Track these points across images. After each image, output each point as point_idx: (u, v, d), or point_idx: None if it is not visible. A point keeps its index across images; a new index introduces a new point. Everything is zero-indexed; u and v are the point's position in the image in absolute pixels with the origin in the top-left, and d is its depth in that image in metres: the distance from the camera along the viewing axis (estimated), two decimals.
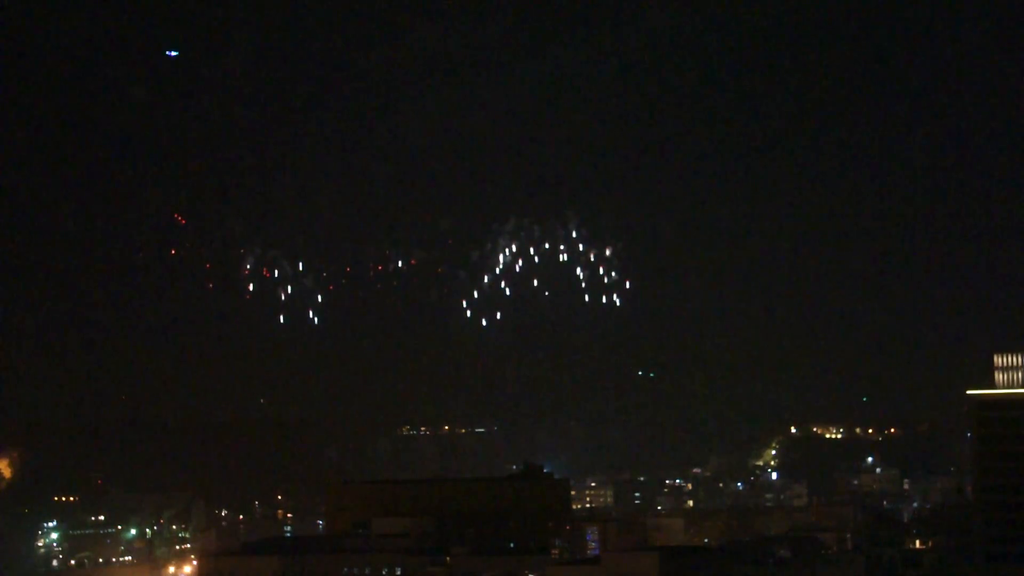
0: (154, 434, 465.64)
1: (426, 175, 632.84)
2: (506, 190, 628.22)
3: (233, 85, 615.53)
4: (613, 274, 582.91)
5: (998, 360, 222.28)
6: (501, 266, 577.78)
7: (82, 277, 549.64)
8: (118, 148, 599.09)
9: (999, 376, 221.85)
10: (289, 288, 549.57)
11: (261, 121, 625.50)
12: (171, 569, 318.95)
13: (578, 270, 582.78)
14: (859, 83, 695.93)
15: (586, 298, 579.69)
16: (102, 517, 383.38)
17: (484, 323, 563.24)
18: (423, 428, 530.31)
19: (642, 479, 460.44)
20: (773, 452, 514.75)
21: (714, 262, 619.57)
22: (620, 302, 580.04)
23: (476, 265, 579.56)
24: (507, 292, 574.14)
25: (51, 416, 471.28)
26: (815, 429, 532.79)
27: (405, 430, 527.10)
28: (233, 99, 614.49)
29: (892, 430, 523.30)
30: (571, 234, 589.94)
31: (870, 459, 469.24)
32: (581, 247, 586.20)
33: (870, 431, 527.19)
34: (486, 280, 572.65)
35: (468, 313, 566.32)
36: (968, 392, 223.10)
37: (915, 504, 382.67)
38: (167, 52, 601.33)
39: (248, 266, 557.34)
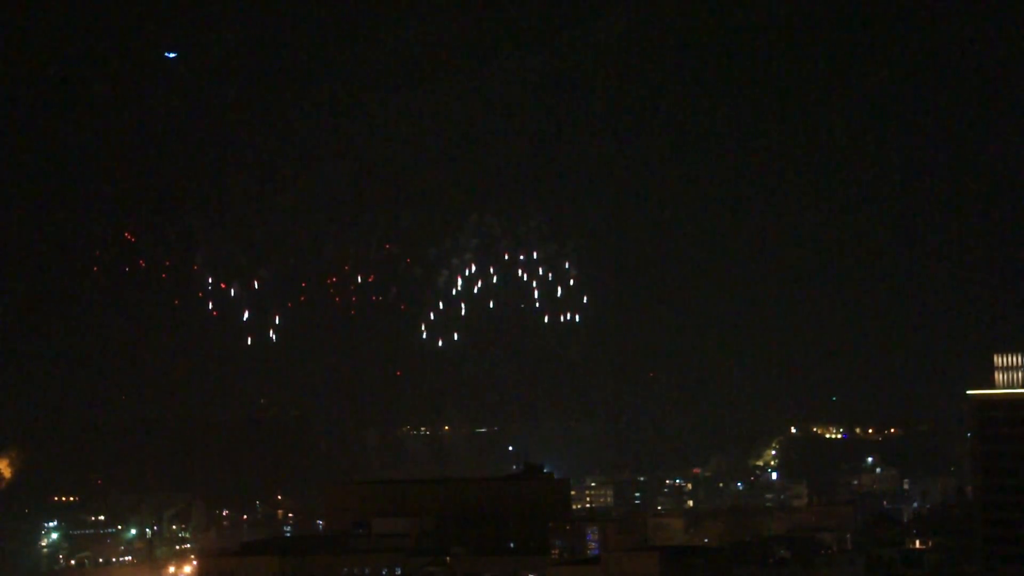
0: (154, 434, 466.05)
1: (388, 174, 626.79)
2: (469, 189, 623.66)
3: (187, 86, 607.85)
4: (571, 282, 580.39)
5: (998, 360, 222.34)
6: (459, 287, 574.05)
7: (79, 277, 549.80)
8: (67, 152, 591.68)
9: (999, 376, 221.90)
10: (247, 313, 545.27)
11: (217, 124, 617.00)
12: (171, 569, 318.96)
13: (534, 286, 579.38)
14: (855, 79, 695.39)
15: (546, 319, 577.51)
16: (102, 517, 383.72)
17: (440, 343, 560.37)
18: (423, 428, 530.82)
19: (642, 479, 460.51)
20: (773, 452, 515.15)
21: (714, 262, 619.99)
22: (579, 319, 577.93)
23: (434, 263, 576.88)
24: (463, 312, 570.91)
25: (51, 416, 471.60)
26: (815, 429, 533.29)
27: (405, 430, 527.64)
28: (185, 101, 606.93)
29: (892, 430, 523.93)
30: (531, 233, 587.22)
31: (870, 459, 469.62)
32: (542, 270, 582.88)
33: (870, 431, 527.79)
34: (441, 305, 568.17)
35: (424, 335, 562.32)
36: (968, 392, 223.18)
37: (915, 504, 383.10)
38: (166, 54, 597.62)
39: (209, 279, 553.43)
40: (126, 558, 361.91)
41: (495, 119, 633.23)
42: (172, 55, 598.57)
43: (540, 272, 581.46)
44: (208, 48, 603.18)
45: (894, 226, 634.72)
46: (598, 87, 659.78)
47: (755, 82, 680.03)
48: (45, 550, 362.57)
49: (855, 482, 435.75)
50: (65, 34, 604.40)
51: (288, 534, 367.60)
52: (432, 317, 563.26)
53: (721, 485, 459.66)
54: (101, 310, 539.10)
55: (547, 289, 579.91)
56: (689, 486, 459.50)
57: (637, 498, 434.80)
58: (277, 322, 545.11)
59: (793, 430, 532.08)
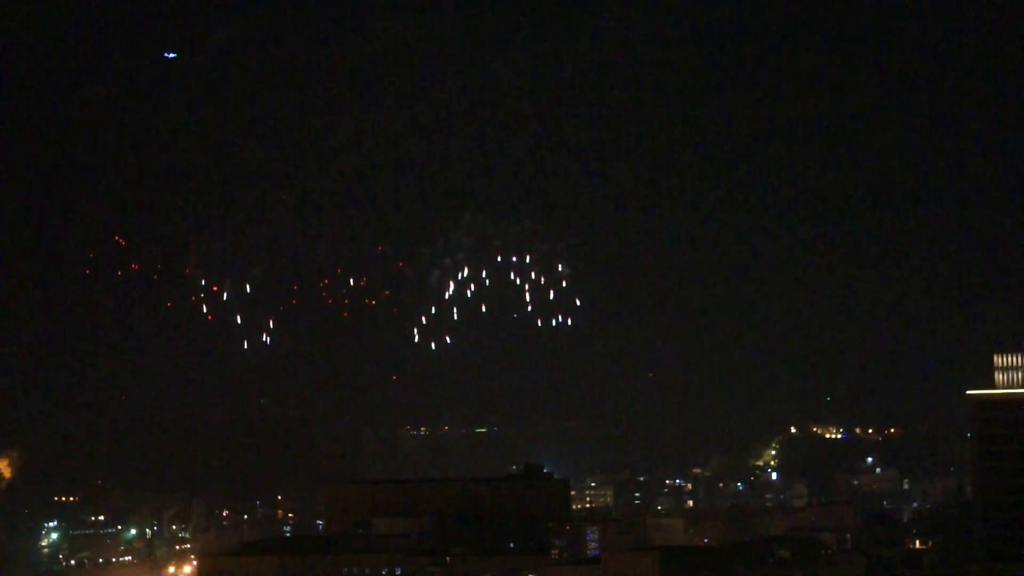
0: (154, 434, 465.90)
1: (380, 174, 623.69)
2: (462, 190, 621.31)
3: (180, 86, 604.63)
4: (564, 284, 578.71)
5: (998, 360, 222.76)
6: (451, 290, 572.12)
7: (78, 278, 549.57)
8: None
9: (999, 376, 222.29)
10: (239, 318, 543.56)
11: (209, 126, 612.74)
12: (171, 569, 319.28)
13: (527, 289, 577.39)
14: (853, 78, 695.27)
15: (539, 323, 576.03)
16: (102, 517, 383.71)
17: (433, 346, 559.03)
18: (423, 428, 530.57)
19: (642, 479, 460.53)
20: (773, 452, 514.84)
21: (712, 262, 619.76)
22: (572, 322, 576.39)
23: (427, 263, 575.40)
24: (455, 316, 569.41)
25: (51, 416, 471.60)
26: (815, 429, 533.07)
27: (404, 430, 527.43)
28: (177, 102, 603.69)
29: (892, 430, 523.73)
30: (525, 233, 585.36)
31: (870, 459, 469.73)
32: (534, 273, 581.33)
33: (870, 431, 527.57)
34: (434, 309, 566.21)
35: (417, 338, 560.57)
36: (968, 392, 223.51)
37: (915, 504, 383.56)
38: (166, 54, 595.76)
39: (202, 282, 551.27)
40: (126, 558, 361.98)
41: (488, 120, 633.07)
42: (171, 55, 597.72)
43: (533, 276, 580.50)
44: (200, 48, 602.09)
45: (894, 226, 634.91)
46: (592, 88, 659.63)
47: (752, 82, 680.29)
48: (45, 550, 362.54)
49: (855, 482, 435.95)
50: (63, 34, 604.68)
51: (288, 534, 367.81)
52: (424, 321, 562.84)
53: (721, 485, 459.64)
54: (97, 312, 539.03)
55: (540, 292, 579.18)
56: (689, 486, 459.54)
57: (637, 498, 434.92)
58: (271, 325, 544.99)
59: (793, 430, 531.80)
